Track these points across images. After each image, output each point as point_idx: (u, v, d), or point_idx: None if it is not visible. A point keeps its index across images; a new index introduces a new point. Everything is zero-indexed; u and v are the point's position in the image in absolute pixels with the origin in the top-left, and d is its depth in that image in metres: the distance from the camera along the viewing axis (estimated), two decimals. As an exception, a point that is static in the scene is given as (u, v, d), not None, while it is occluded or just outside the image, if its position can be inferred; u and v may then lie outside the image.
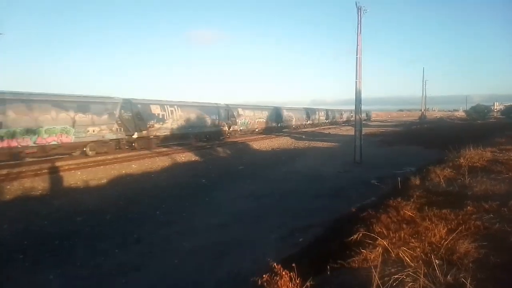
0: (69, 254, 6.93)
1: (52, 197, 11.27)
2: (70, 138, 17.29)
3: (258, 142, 27.73)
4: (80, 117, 17.72)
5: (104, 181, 13.68)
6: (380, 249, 3.92)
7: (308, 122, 51.62)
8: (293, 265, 3.31)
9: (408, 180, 8.50)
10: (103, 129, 18.94)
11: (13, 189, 11.83)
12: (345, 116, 70.69)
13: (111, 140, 19.59)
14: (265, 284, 3.19)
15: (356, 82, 17.48)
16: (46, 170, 14.13)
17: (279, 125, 41.84)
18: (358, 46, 17.13)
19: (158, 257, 6.72)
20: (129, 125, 20.62)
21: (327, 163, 17.71)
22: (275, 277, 3.22)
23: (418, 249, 3.81)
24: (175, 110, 24.39)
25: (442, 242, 3.88)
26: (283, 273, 3.22)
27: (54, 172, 14.00)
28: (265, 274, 3.28)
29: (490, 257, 3.55)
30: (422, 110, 73.41)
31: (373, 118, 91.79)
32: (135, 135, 20.97)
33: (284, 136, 33.53)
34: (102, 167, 15.39)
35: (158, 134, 22.70)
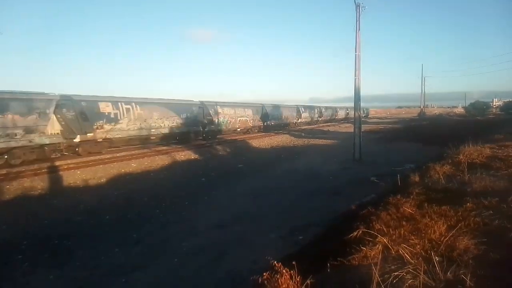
0: (69, 255, 6.92)
1: (51, 196, 11.26)
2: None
3: (257, 140, 27.72)
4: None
5: (103, 180, 13.67)
6: (380, 246, 3.92)
7: (299, 121, 48.80)
8: (293, 263, 3.32)
9: (408, 177, 8.52)
10: (30, 132, 15.44)
11: (13, 189, 11.81)
12: (340, 114, 67.86)
13: (43, 145, 16.18)
14: (266, 282, 3.20)
15: (355, 79, 17.45)
16: (45, 170, 14.11)
17: (265, 124, 38.32)
18: (357, 43, 17.11)
19: (157, 257, 6.72)
20: (70, 126, 17.38)
21: (327, 161, 17.71)
22: (275, 275, 3.23)
23: (418, 246, 3.82)
24: (133, 108, 21.03)
25: (442, 239, 3.89)
26: (284, 271, 3.22)
27: (53, 171, 13.98)
28: (265, 272, 3.28)
29: (490, 253, 3.56)
30: (421, 107, 73.51)
31: (372, 115, 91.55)
32: (77, 139, 17.64)
33: (283, 134, 33.50)
34: (101, 166, 15.38)
35: (109, 136, 19.34)
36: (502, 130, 19.86)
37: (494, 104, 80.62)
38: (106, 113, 19.28)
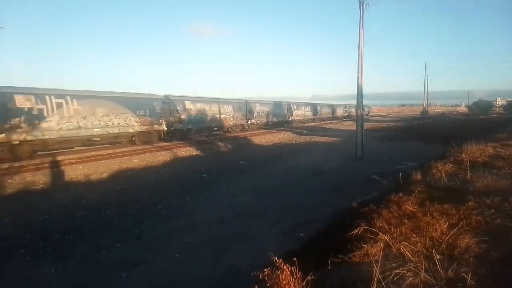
0: (70, 249, 6.96)
1: (53, 191, 11.30)
2: None
3: (259, 136, 27.71)
4: None
5: (105, 175, 13.70)
6: (381, 243, 3.92)
7: (291, 118, 44.48)
8: (294, 259, 3.32)
9: (410, 176, 8.50)
10: None
11: (15, 183, 11.86)
12: (339, 112, 63.92)
13: None
14: (267, 278, 3.20)
15: (358, 76, 17.36)
16: (47, 164, 14.17)
17: (249, 122, 34.74)
18: (360, 41, 16.99)
19: (159, 252, 6.74)
20: None
21: (328, 158, 17.69)
22: (276, 271, 3.23)
23: (419, 244, 3.82)
24: (67, 103, 17.44)
25: (443, 237, 3.89)
26: (284, 267, 3.22)
27: (55, 166, 14.03)
28: (266, 268, 3.28)
29: (491, 252, 3.55)
30: (424, 105, 73.06)
31: (374, 113, 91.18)
32: None
33: (285, 131, 33.48)
34: (103, 161, 15.41)
35: (30, 138, 15.83)
36: (505, 129, 19.79)
37: (497, 103, 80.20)
38: (26, 109, 15.80)
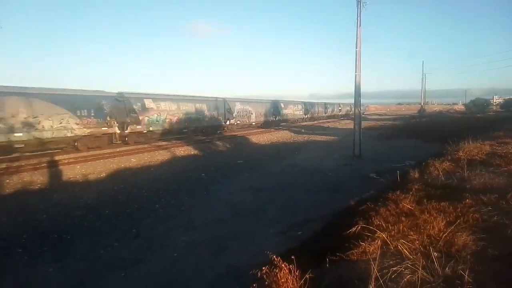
0: (68, 248, 6.95)
1: (51, 191, 11.27)
2: None
3: (257, 135, 27.73)
4: None
5: (103, 175, 13.68)
6: (379, 241, 3.93)
7: (277, 118, 41.11)
8: (293, 257, 3.32)
9: (407, 174, 8.53)
10: None
11: (12, 183, 11.83)
12: (330, 111, 61.42)
13: None
14: (265, 276, 3.20)
15: (355, 75, 17.38)
16: (45, 164, 14.13)
17: (228, 122, 31.41)
18: (358, 39, 17.01)
19: (157, 251, 6.74)
20: None
21: (326, 157, 17.73)
22: (274, 270, 3.23)
23: (417, 242, 3.83)
24: None
25: (440, 235, 3.90)
26: (283, 265, 3.23)
27: (53, 166, 14.00)
28: (264, 266, 3.29)
29: (488, 249, 3.57)
30: (421, 104, 73.34)
31: (372, 112, 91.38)
32: None
33: (283, 130, 33.52)
34: (101, 161, 15.38)
35: None
36: (502, 127, 19.86)
37: (494, 101, 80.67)
38: None
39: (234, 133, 28.83)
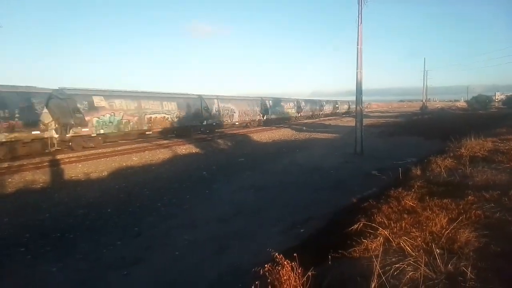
0: (70, 247, 6.96)
1: (53, 190, 11.30)
2: None
3: (259, 133, 27.73)
4: None
5: (105, 173, 13.70)
6: (381, 238, 3.93)
7: (265, 118, 37.27)
8: (295, 254, 3.32)
9: (409, 171, 8.50)
10: None
11: (14, 182, 11.86)
12: (327, 109, 58.26)
13: None
14: (267, 274, 3.20)
15: (357, 72, 17.34)
16: (47, 163, 14.16)
17: (205, 123, 27.82)
18: (359, 37, 16.96)
19: (159, 250, 6.74)
20: None
21: (328, 155, 17.70)
22: (277, 267, 3.23)
23: (419, 239, 3.82)
24: None
25: (443, 232, 3.89)
26: (285, 262, 3.22)
27: (55, 165, 14.03)
28: (267, 264, 3.29)
29: (491, 246, 3.56)
30: (423, 101, 73.03)
31: (374, 109, 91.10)
32: None
33: (284, 127, 33.52)
34: (103, 159, 15.42)
35: None
36: (504, 124, 19.80)
37: (496, 98, 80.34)
38: None
39: (234, 132, 28.82)
